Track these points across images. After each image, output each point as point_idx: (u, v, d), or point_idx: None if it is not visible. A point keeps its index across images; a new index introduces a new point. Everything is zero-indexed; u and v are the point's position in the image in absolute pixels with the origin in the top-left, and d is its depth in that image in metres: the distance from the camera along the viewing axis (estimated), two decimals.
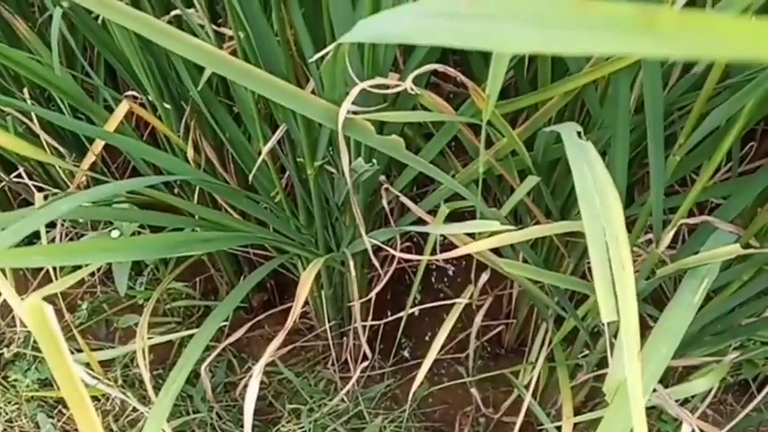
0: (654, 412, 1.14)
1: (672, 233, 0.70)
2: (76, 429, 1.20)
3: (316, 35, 0.74)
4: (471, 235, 0.77)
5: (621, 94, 0.65)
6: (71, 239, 1.17)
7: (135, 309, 1.37)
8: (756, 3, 0.55)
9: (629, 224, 0.55)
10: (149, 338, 1.06)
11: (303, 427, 1.22)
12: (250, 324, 1.13)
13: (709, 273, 0.65)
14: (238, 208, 1.00)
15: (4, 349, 1.35)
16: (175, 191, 1.08)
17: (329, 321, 1.12)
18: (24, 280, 1.35)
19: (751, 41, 0.16)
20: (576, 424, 0.93)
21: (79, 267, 0.86)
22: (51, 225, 1.13)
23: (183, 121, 0.93)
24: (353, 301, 1.02)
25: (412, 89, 0.63)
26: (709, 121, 0.62)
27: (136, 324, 1.29)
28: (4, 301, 0.61)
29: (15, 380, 1.30)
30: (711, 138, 0.68)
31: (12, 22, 0.96)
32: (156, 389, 0.83)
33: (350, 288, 1.04)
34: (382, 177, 0.87)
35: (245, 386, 0.99)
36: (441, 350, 0.96)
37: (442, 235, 0.83)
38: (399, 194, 0.86)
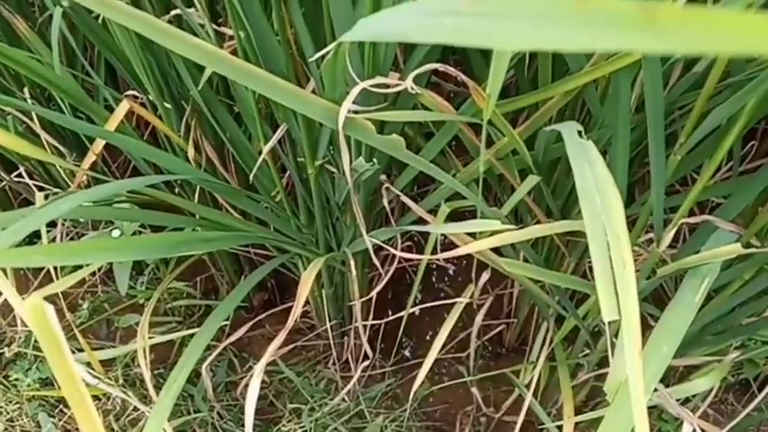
0: (654, 412, 1.14)
1: (673, 232, 0.70)
2: (77, 429, 1.20)
3: (316, 34, 0.74)
4: (472, 234, 0.77)
5: (622, 93, 0.65)
6: (72, 239, 1.17)
7: (136, 308, 1.37)
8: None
9: (630, 223, 0.55)
10: (150, 338, 1.06)
11: (304, 427, 1.22)
12: (251, 323, 1.13)
13: (709, 272, 0.65)
14: (239, 207, 1.00)
15: (6, 349, 1.35)
16: (176, 190, 1.08)
17: (330, 321, 1.12)
18: (25, 279, 1.36)
19: (752, 36, 0.16)
20: (576, 423, 0.93)
21: (80, 267, 0.86)
22: (52, 225, 1.13)
23: (184, 120, 0.93)
24: (354, 301, 1.02)
25: (412, 88, 0.63)
26: (710, 120, 0.62)
27: (137, 323, 1.29)
28: (5, 300, 0.61)
29: (16, 379, 1.30)
30: (712, 137, 0.68)
31: (12, 21, 0.96)
32: (157, 388, 0.83)
33: (351, 287, 1.04)
34: (383, 177, 0.87)
35: (246, 385, 0.99)
36: (441, 349, 0.96)
37: (442, 234, 0.82)
38: (400, 194, 0.86)
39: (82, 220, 1.17)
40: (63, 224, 1.13)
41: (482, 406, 1.22)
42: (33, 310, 0.48)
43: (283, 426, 1.23)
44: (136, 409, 1.26)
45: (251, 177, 0.90)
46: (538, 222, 0.87)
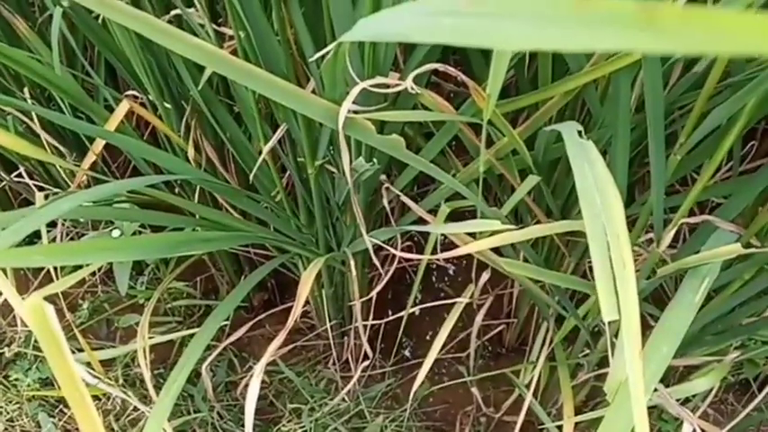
0: (654, 412, 1.14)
1: (672, 232, 0.70)
2: (77, 429, 1.20)
3: (316, 34, 0.74)
4: (472, 234, 0.77)
5: (622, 93, 0.65)
6: (72, 239, 1.17)
7: (136, 308, 1.37)
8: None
9: (630, 223, 0.55)
10: (150, 338, 1.06)
11: (304, 427, 1.22)
12: (251, 323, 1.13)
13: (709, 272, 0.65)
14: (239, 207, 1.00)
15: (6, 349, 1.35)
16: (176, 190, 1.08)
17: (330, 321, 1.12)
18: (25, 279, 1.36)
19: (752, 36, 0.16)
20: (576, 423, 0.93)
21: (80, 267, 0.86)
22: (52, 225, 1.13)
23: (184, 120, 0.93)
24: (354, 301, 1.02)
25: (412, 88, 0.63)
26: (710, 120, 0.62)
27: (137, 323, 1.29)
28: (5, 300, 0.61)
29: (16, 379, 1.30)
30: (712, 137, 0.68)
31: (12, 21, 0.96)
32: (157, 388, 0.83)
33: (351, 287, 1.04)
34: (383, 177, 0.87)
35: (246, 385, 0.99)
36: (441, 349, 0.96)
37: (442, 234, 0.82)
38: (400, 194, 0.86)
39: (82, 220, 1.17)
40: (63, 224, 1.13)
41: (482, 406, 1.22)
42: (33, 310, 0.48)
43: (283, 426, 1.23)
44: (136, 409, 1.26)
45: (251, 177, 0.90)
46: (538, 222, 0.87)
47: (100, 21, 0.86)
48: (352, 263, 0.93)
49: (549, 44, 0.20)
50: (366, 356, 1.09)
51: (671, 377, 1.04)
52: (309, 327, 1.33)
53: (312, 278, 0.88)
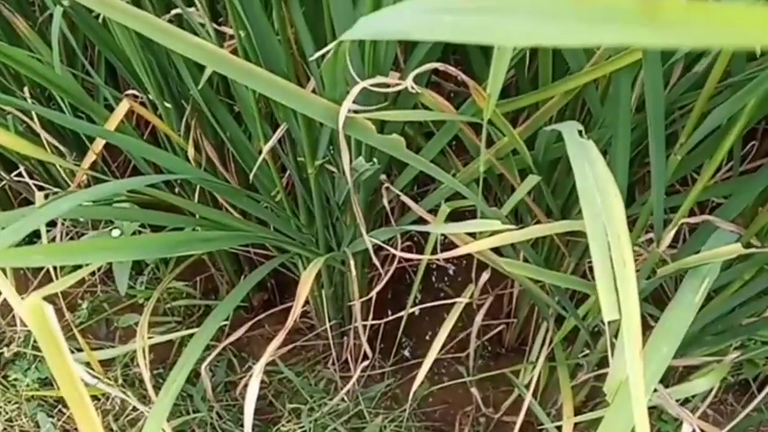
0: (654, 412, 1.14)
1: (673, 232, 0.70)
2: (76, 429, 1.20)
3: (316, 33, 0.74)
4: (472, 234, 0.77)
5: (622, 93, 0.65)
6: (71, 239, 1.17)
7: (135, 308, 1.37)
8: None
9: (630, 223, 0.55)
10: (149, 338, 1.06)
11: (303, 427, 1.22)
12: (250, 323, 1.13)
13: (710, 272, 0.65)
14: (239, 207, 1.00)
15: (5, 348, 1.35)
16: (176, 190, 1.08)
17: (329, 321, 1.12)
18: (25, 279, 1.35)
19: (753, 29, 0.16)
20: (576, 424, 0.93)
21: (79, 267, 0.86)
22: (52, 224, 1.13)
23: (184, 119, 0.93)
24: (354, 301, 1.02)
25: (413, 88, 0.63)
26: (711, 120, 0.62)
27: (136, 323, 1.29)
28: (5, 300, 0.61)
29: (15, 379, 1.30)
30: (712, 137, 0.68)
31: (12, 20, 0.96)
32: (157, 388, 0.83)
33: (350, 287, 1.04)
34: (383, 176, 0.87)
35: (246, 385, 0.99)
36: (441, 349, 0.96)
37: (442, 234, 0.82)
38: (400, 194, 0.86)
39: (82, 219, 1.17)
40: (63, 224, 1.13)
41: (481, 406, 1.22)
42: (33, 310, 0.48)
43: (282, 426, 1.23)
44: (135, 409, 1.26)
45: (251, 177, 0.90)
46: (538, 222, 0.87)
47: (100, 20, 0.86)
48: (352, 263, 0.93)
49: (549, 40, 0.20)
50: (366, 356, 1.09)
51: (671, 377, 1.04)
52: (309, 327, 1.33)
53: (312, 278, 0.88)
